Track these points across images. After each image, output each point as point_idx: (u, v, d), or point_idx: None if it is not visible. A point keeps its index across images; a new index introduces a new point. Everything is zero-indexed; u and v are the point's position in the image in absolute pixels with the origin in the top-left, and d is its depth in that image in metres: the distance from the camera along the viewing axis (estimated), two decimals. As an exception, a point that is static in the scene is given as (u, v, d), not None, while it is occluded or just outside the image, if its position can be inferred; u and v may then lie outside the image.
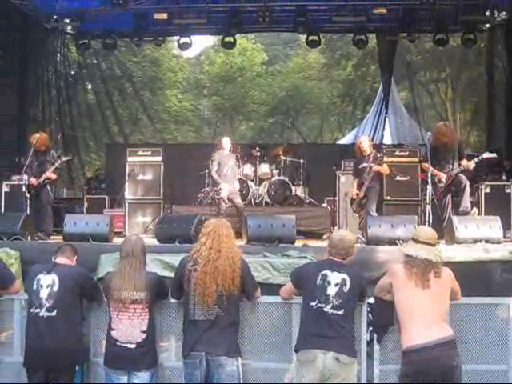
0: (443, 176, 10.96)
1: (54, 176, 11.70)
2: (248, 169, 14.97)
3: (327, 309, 6.16)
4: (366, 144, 12.02)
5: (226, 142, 13.16)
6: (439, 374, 5.81)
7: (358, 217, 12.15)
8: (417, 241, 6.19)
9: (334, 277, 6.25)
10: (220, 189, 12.75)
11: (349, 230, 13.28)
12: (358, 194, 11.74)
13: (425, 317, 5.92)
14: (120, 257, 6.59)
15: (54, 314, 6.37)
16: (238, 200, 13.02)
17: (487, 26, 16.76)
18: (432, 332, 5.87)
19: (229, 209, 12.76)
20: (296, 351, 6.35)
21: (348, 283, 6.24)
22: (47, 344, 6.33)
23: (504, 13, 15.63)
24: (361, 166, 11.83)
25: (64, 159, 12.36)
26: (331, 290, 6.20)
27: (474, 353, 6.90)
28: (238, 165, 14.03)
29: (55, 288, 6.44)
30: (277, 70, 41.15)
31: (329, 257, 6.46)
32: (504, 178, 13.69)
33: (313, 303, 6.22)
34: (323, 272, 6.28)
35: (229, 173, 12.89)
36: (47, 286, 6.46)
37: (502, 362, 7.03)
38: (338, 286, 6.21)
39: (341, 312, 6.17)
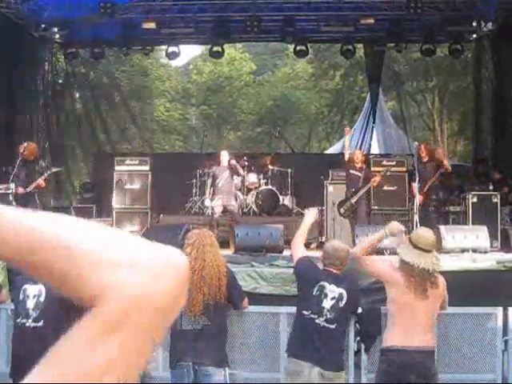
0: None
1: (43, 183, 11.67)
2: (236, 178, 14.94)
3: (319, 321, 6.14)
4: (358, 158, 12.80)
5: (223, 155, 13.31)
6: (416, 381, 5.78)
7: (350, 224, 12.37)
8: (415, 246, 6.00)
9: (332, 290, 6.20)
10: (204, 199, 12.99)
11: (336, 239, 13.51)
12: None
13: (413, 323, 5.88)
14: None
15: (40, 324, 6.32)
16: (236, 212, 13.18)
17: (474, 36, 16.90)
18: (416, 338, 5.85)
19: (220, 219, 12.82)
20: (286, 352, 6.35)
21: (345, 299, 6.20)
22: (34, 354, 6.27)
23: (490, 23, 15.74)
24: (351, 172, 12.65)
25: (54, 170, 12.33)
26: (326, 303, 6.16)
27: (463, 362, 6.93)
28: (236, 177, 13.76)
29: (42, 298, 6.39)
30: (265, 79, 41.27)
31: (324, 267, 6.41)
32: (491, 187, 13.74)
33: (306, 312, 6.20)
34: (321, 283, 6.23)
35: (221, 185, 12.94)
36: (34, 296, 6.40)
37: (491, 371, 7.05)
38: (334, 300, 6.17)
39: (333, 326, 6.15)
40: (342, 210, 12.46)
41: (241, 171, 13.56)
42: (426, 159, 12.63)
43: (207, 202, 13.40)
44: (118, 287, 0.92)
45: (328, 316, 6.14)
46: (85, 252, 0.95)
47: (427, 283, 5.94)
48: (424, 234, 6.20)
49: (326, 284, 6.22)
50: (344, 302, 6.20)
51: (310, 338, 6.13)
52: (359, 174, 12.56)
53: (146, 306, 0.92)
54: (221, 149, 15.76)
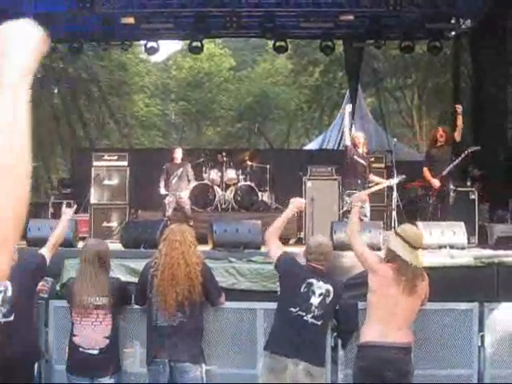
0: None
1: None
2: (214, 174, 14.92)
3: (307, 317, 6.11)
4: (361, 142, 11.78)
5: (176, 152, 13.60)
6: (393, 377, 5.78)
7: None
8: (408, 243, 5.92)
9: (319, 286, 6.18)
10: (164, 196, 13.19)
11: (319, 234, 13.46)
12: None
13: (394, 318, 5.86)
14: (82, 261, 6.48)
15: (11, 318, 6.22)
16: (187, 207, 13.32)
17: (453, 33, 16.95)
18: (395, 334, 5.83)
19: (177, 215, 12.98)
20: (265, 349, 6.31)
21: (331, 295, 6.19)
22: (9, 349, 6.22)
23: (469, 21, 15.80)
24: (356, 158, 11.54)
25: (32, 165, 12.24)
26: (314, 300, 6.13)
27: (439, 357, 6.94)
28: (189, 174, 13.80)
29: (9, 293, 6.28)
30: (244, 75, 41.22)
31: (308, 263, 6.36)
32: (469, 183, 13.79)
33: (293, 309, 6.13)
34: (309, 280, 6.18)
35: (174, 182, 13.19)
36: (0, 292, 6.31)
37: (467, 366, 7.07)
38: (322, 297, 6.15)
39: (319, 322, 6.14)
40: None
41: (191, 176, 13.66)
42: (442, 143, 12.15)
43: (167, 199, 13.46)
44: None
45: (316, 313, 6.11)
46: None
47: (418, 280, 5.94)
48: (415, 231, 6.19)
49: (313, 281, 6.19)
50: (330, 298, 6.19)
51: (297, 334, 6.09)
52: (364, 164, 11.52)
53: None
54: (200, 144, 15.76)
